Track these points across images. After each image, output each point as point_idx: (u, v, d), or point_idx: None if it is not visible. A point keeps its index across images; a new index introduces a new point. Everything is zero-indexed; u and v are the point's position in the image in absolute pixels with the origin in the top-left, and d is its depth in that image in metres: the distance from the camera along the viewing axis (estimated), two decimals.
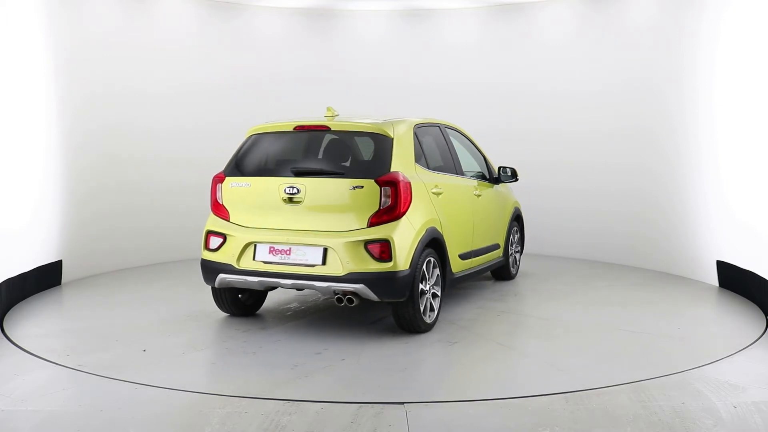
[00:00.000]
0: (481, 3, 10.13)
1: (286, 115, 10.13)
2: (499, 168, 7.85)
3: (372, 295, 5.57)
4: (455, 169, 6.92)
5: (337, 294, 5.66)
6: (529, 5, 10.03)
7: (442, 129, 7.02)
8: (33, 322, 6.35)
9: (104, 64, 8.54)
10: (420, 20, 10.54)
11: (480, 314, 6.69)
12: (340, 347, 5.54)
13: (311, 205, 5.76)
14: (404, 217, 5.68)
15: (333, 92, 10.30)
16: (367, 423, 4.07)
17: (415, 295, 5.73)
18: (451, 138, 7.15)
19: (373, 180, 5.68)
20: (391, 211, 5.65)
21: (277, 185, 5.86)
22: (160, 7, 9.34)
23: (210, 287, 6.36)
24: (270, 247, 5.79)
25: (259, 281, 5.82)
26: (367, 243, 5.56)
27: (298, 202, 5.79)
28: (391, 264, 5.54)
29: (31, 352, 5.44)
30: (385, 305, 6.39)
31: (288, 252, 5.73)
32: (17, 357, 5.35)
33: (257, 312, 6.62)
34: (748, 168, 6.98)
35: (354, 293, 5.61)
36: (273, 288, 5.99)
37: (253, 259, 5.83)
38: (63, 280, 7.89)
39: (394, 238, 5.57)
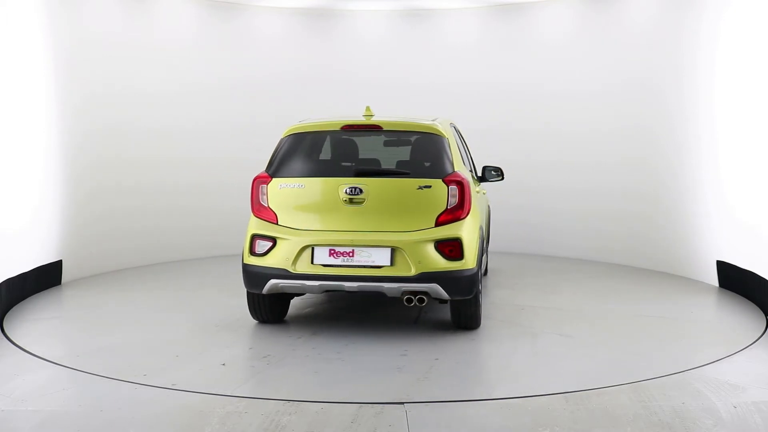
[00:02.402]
0: (481, 3, 10.13)
1: (288, 115, 10.09)
2: (484, 168, 7.81)
3: (443, 294, 5.56)
4: (472, 169, 6.98)
5: (407, 294, 5.60)
6: (529, 5, 10.03)
7: (456, 128, 7.06)
8: (33, 323, 6.34)
9: (104, 64, 8.54)
10: (420, 20, 10.54)
11: (504, 309, 6.74)
12: (416, 347, 5.53)
13: (375, 205, 5.66)
14: (468, 216, 5.73)
15: (333, 92, 10.31)
16: (367, 423, 4.07)
17: (478, 293, 5.80)
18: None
19: (440, 180, 5.70)
20: (456, 210, 5.67)
21: (336, 186, 5.71)
22: (160, 7, 9.34)
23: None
24: (330, 250, 5.60)
25: (319, 285, 5.62)
26: (437, 242, 5.55)
27: (359, 203, 5.67)
28: (461, 262, 5.56)
29: (31, 352, 5.43)
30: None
31: (351, 254, 5.57)
32: (17, 357, 5.34)
33: (284, 318, 6.38)
34: (748, 168, 6.98)
35: (425, 293, 5.58)
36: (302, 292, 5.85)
37: (312, 262, 5.60)
38: (63, 280, 7.89)
39: (464, 237, 5.60)
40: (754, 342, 5.71)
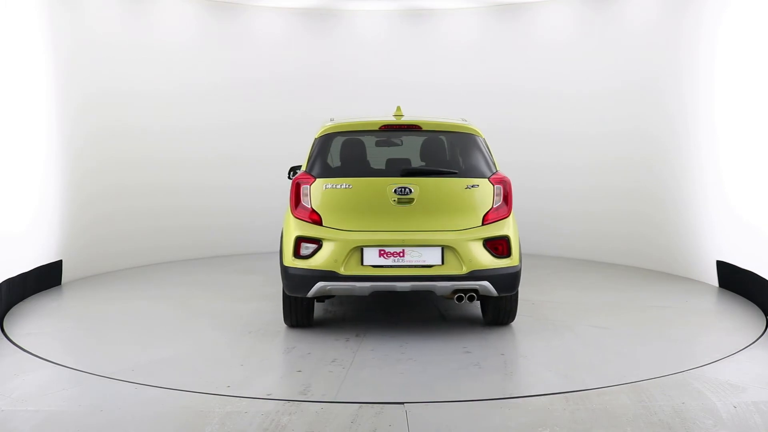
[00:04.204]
0: (481, 3, 10.13)
1: (289, 115, 10.20)
2: None
3: (493, 291, 5.64)
4: None
5: (458, 293, 5.65)
6: (529, 5, 10.03)
7: None
8: (33, 322, 6.34)
9: (105, 65, 8.53)
10: (420, 20, 10.54)
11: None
12: (473, 343, 5.66)
13: (424, 204, 5.69)
14: (511, 214, 5.86)
15: (333, 92, 10.32)
16: (367, 423, 4.08)
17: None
18: None
19: (487, 179, 5.81)
20: (501, 209, 5.81)
21: (384, 186, 5.70)
22: (160, 8, 9.34)
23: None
24: (380, 250, 5.57)
25: (371, 286, 5.57)
26: (486, 240, 5.65)
27: (407, 203, 5.68)
28: (509, 260, 5.69)
29: (31, 352, 5.43)
30: (426, 298, 6.80)
31: (401, 254, 5.58)
32: (17, 357, 5.35)
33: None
34: (748, 168, 6.98)
35: (475, 290, 5.65)
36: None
37: (361, 263, 5.56)
38: (63, 280, 7.89)
39: (510, 235, 5.74)
40: (754, 342, 5.71)
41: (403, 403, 4.37)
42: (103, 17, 8.58)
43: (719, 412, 4.21)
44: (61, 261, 7.82)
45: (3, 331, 6.01)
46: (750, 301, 7.00)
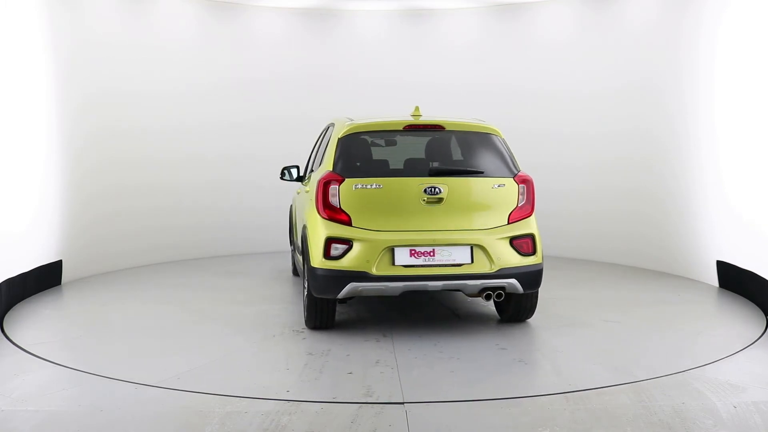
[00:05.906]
0: (481, 3, 10.13)
1: (289, 115, 10.20)
2: None
3: (519, 289, 5.74)
4: None
5: (487, 291, 5.71)
6: (529, 5, 10.03)
7: None
8: (33, 323, 6.35)
9: (105, 65, 8.53)
10: (420, 20, 10.54)
11: None
12: (505, 340, 5.73)
13: (452, 204, 5.72)
14: (533, 213, 5.92)
15: (333, 92, 10.33)
16: (367, 423, 4.07)
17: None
18: None
19: (511, 178, 5.88)
20: (525, 207, 5.88)
21: (414, 186, 5.70)
22: (160, 8, 9.34)
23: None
24: (411, 250, 5.58)
25: (404, 286, 5.57)
26: (512, 239, 5.73)
27: (437, 202, 5.70)
28: (534, 257, 5.80)
29: (31, 352, 5.43)
30: (432, 297, 6.87)
31: (432, 253, 5.60)
32: (17, 357, 5.35)
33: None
34: (748, 168, 6.99)
35: (503, 288, 5.71)
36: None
37: (392, 263, 5.56)
38: (63, 280, 7.89)
39: (535, 233, 5.84)
40: (754, 342, 5.71)
41: (403, 403, 4.37)
42: (103, 17, 8.58)
43: (719, 412, 4.21)
44: (61, 261, 7.82)
45: (3, 331, 6.01)
46: (750, 301, 7.00)
